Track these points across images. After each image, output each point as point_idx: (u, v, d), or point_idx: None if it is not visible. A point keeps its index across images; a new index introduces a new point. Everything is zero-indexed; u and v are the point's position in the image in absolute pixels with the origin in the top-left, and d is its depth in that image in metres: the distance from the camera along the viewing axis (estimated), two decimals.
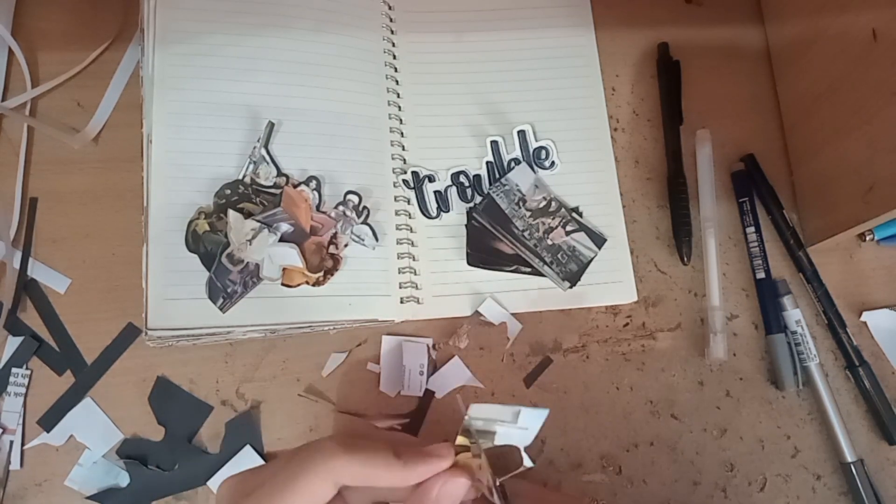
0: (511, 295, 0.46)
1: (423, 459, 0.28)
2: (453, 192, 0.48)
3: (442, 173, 0.48)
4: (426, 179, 0.48)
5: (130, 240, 0.44)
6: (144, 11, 0.45)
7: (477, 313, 0.46)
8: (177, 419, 0.42)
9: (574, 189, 0.49)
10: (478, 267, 0.47)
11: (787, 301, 0.48)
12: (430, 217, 0.47)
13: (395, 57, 0.50)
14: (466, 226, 0.47)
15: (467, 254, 0.47)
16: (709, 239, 0.48)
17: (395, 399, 0.44)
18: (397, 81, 0.50)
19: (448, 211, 0.48)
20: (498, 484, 0.29)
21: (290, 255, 0.43)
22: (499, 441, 0.29)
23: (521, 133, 0.49)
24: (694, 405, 0.46)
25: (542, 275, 0.46)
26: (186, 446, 0.42)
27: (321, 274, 0.44)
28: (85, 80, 0.48)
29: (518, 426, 0.29)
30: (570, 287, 0.46)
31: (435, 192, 0.48)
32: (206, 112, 0.45)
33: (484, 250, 0.47)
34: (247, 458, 0.42)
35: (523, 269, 0.47)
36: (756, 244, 0.49)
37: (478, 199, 0.48)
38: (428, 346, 0.45)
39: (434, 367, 0.45)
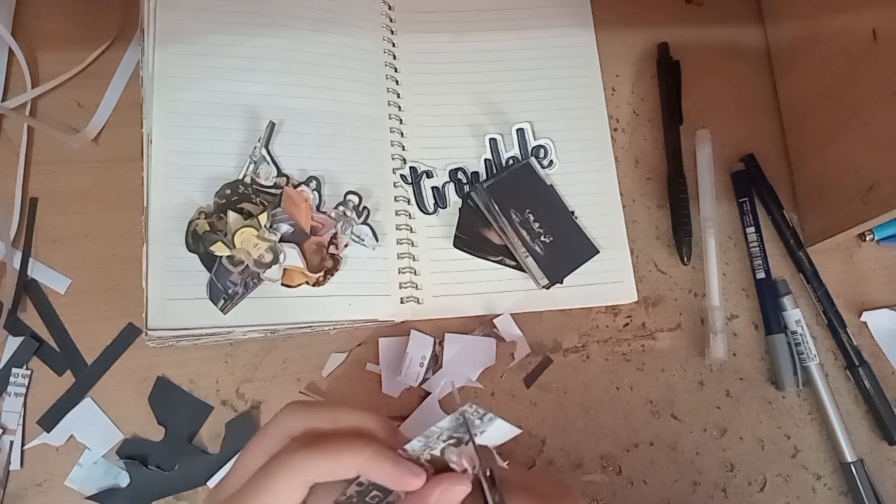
0: (512, 295, 0.47)
1: (394, 465, 0.27)
2: (451, 189, 0.48)
3: (440, 170, 0.48)
4: (424, 175, 0.48)
5: (130, 240, 0.44)
6: (144, 11, 0.45)
7: (491, 323, 0.46)
8: (177, 419, 0.42)
9: (574, 189, 0.49)
10: (463, 251, 0.47)
11: (787, 301, 0.48)
12: (426, 213, 0.47)
13: (395, 57, 0.50)
14: (461, 207, 0.47)
15: (455, 236, 0.47)
16: (709, 239, 0.48)
17: (396, 399, 0.44)
18: (397, 81, 0.50)
19: (445, 207, 0.48)
20: (488, 473, 0.29)
21: (291, 256, 0.43)
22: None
23: (520, 131, 0.49)
24: (694, 405, 0.46)
25: (523, 269, 0.46)
26: (186, 446, 0.42)
27: (321, 274, 0.44)
28: (85, 80, 0.48)
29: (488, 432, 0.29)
30: (549, 286, 0.46)
31: (433, 187, 0.48)
32: (206, 112, 0.45)
33: (472, 235, 0.47)
34: None
35: (508, 261, 0.47)
36: (756, 244, 0.49)
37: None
38: (434, 340, 0.45)
39: (436, 361, 0.45)
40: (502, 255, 0.47)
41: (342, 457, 0.26)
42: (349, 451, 0.26)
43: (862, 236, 0.50)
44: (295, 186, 0.45)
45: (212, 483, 0.41)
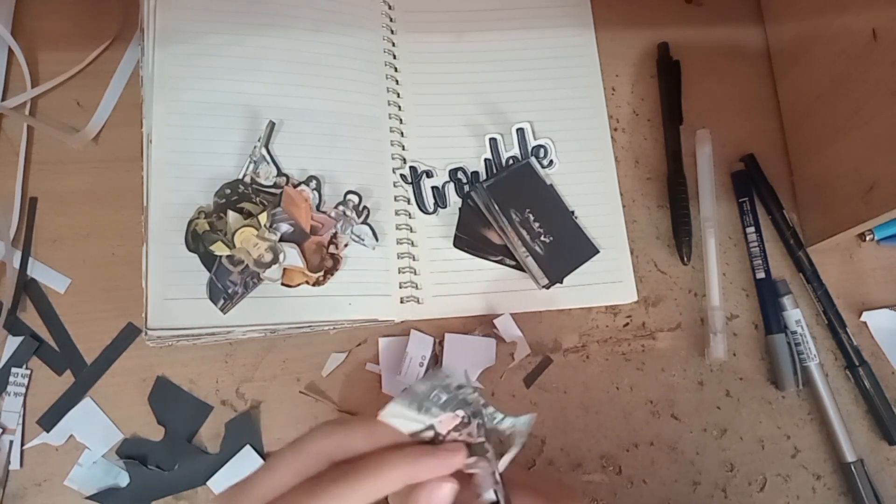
0: (512, 295, 0.46)
1: (433, 455, 0.27)
2: (451, 189, 0.48)
3: (440, 170, 0.48)
4: (424, 175, 0.48)
5: (130, 240, 0.44)
6: (144, 11, 0.45)
7: (491, 323, 0.46)
8: (177, 419, 0.42)
9: (574, 189, 0.49)
10: (463, 251, 0.47)
11: (787, 301, 0.48)
12: (426, 213, 0.47)
13: (395, 57, 0.50)
14: (460, 207, 0.47)
15: (455, 236, 0.47)
16: (709, 239, 0.48)
17: None
18: (397, 81, 0.50)
19: (445, 207, 0.48)
20: (500, 476, 0.29)
21: (291, 255, 0.43)
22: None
23: (520, 131, 0.49)
24: (694, 405, 0.46)
25: (523, 269, 0.46)
26: (186, 446, 0.42)
27: (321, 274, 0.44)
28: (85, 80, 0.48)
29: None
30: (549, 286, 0.46)
31: (433, 187, 0.48)
32: (206, 112, 0.45)
33: (472, 235, 0.47)
34: (247, 458, 0.42)
35: (508, 261, 0.47)
36: (756, 244, 0.49)
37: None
38: (434, 340, 0.45)
39: (436, 361, 0.45)
40: (502, 255, 0.47)
41: (383, 477, 0.26)
42: (387, 468, 0.27)
43: (862, 236, 0.50)
44: (295, 186, 0.45)
45: (211, 483, 0.41)
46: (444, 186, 0.48)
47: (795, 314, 0.48)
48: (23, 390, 0.42)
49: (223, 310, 0.42)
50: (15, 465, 0.41)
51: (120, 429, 0.42)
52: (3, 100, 0.46)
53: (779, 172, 0.52)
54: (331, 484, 0.26)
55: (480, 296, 0.46)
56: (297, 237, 0.44)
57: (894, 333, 0.49)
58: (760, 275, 0.49)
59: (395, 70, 0.50)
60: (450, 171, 0.48)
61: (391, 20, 0.51)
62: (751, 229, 0.50)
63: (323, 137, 0.47)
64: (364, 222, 0.46)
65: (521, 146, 0.49)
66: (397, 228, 0.47)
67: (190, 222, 0.43)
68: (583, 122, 0.51)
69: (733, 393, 0.47)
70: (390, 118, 0.49)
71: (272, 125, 0.45)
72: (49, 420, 0.42)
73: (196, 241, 0.43)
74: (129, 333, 0.44)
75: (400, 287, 0.46)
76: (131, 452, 0.42)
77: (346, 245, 0.45)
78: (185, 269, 0.42)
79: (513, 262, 0.47)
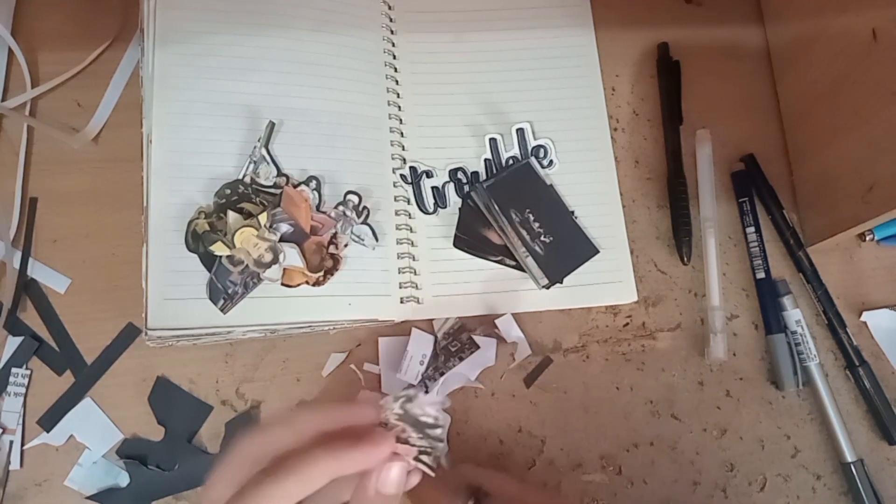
0: (512, 295, 0.46)
1: (355, 448, 0.27)
2: (451, 189, 0.48)
3: (440, 170, 0.48)
4: (424, 175, 0.48)
5: (130, 240, 0.44)
6: (144, 11, 0.45)
7: (491, 323, 0.46)
8: (177, 419, 0.42)
9: (574, 189, 0.49)
10: (463, 251, 0.47)
11: (787, 301, 0.48)
12: (426, 213, 0.47)
13: (395, 57, 0.50)
14: (460, 207, 0.47)
15: (455, 236, 0.47)
16: (709, 239, 0.48)
17: None
18: (397, 81, 0.50)
19: (445, 207, 0.48)
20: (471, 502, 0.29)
21: (291, 256, 0.43)
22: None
23: (520, 131, 0.49)
24: (694, 405, 0.46)
25: (523, 269, 0.46)
26: (186, 446, 0.42)
27: (321, 274, 0.44)
28: (85, 80, 0.48)
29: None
30: (549, 286, 0.46)
31: (433, 187, 0.48)
32: (206, 112, 0.45)
33: (472, 235, 0.47)
34: None
35: (508, 261, 0.47)
36: (756, 244, 0.49)
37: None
38: (436, 338, 0.45)
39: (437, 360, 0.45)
40: (502, 255, 0.47)
41: (307, 475, 0.26)
42: (310, 465, 0.26)
43: (862, 236, 0.50)
44: (295, 186, 0.45)
45: None
46: (444, 186, 0.48)
47: (795, 314, 0.48)
48: (23, 390, 0.42)
49: (223, 310, 0.42)
50: (15, 465, 0.41)
51: (120, 429, 0.42)
52: (3, 100, 0.46)
53: (779, 172, 0.52)
54: (255, 488, 0.26)
55: (480, 296, 0.46)
56: (297, 237, 0.44)
57: (894, 333, 0.49)
58: (760, 275, 0.49)
59: (395, 70, 0.50)
60: (450, 171, 0.48)
61: (391, 20, 0.51)
62: (751, 229, 0.50)
63: (323, 137, 0.47)
64: (364, 222, 0.46)
65: (521, 146, 0.49)
66: (397, 228, 0.47)
67: (190, 222, 0.43)
68: (583, 122, 0.51)
69: (733, 393, 0.47)
70: (390, 118, 0.49)
71: (272, 125, 0.45)
72: (49, 420, 0.42)
73: (196, 241, 0.43)
74: (129, 333, 0.44)
75: (400, 287, 0.46)
76: (131, 452, 0.42)
77: (346, 245, 0.45)
78: (185, 269, 0.42)
79: (513, 262, 0.47)
